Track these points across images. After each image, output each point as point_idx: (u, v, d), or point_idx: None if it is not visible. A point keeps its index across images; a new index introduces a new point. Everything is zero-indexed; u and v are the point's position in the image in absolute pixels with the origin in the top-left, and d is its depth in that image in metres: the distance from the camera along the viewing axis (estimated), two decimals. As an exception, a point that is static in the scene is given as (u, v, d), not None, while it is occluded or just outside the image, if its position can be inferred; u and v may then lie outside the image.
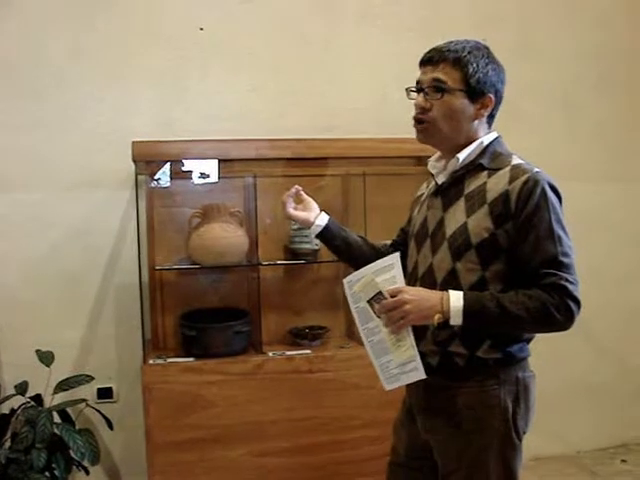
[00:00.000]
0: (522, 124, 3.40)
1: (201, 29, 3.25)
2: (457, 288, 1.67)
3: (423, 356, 1.69)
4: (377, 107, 3.33)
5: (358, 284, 1.73)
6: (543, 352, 2.98)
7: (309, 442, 2.88)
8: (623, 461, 3.70)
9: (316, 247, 3.10)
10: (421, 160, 2.87)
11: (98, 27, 3.13)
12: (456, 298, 1.64)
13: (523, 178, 1.65)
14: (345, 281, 1.76)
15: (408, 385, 1.83)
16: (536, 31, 3.66)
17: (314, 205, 2.03)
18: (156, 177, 3.00)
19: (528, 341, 1.77)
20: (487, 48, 1.77)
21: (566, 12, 3.69)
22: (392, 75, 3.09)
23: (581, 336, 3.55)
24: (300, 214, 2.00)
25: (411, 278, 1.80)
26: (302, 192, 2.03)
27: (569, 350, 3.58)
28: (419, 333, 1.70)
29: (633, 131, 3.84)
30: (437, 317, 1.64)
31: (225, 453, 2.81)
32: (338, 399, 2.89)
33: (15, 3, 3.05)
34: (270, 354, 2.94)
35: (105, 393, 3.19)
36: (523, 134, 3.29)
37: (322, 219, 2.00)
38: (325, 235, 2.00)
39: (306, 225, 2.01)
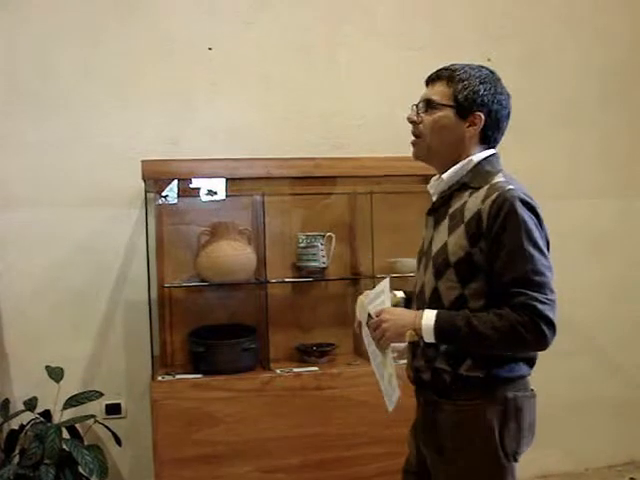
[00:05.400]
0: (525, 140, 3.40)
1: (210, 49, 3.30)
2: (440, 306, 1.71)
3: (417, 371, 1.79)
4: (384, 125, 3.34)
5: (358, 310, 1.89)
6: (550, 369, 3.01)
7: (317, 459, 2.88)
8: (632, 479, 3.68)
9: (323, 265, 3.12)
10: (428, 178, 2.88)
11: (107, 46, 3.18)
12: (429, 317, 1.68)
13: (493, 196, 1.64)
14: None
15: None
16: (539, 48, 3.69)
17: None
18: (164, 194, 3.02)
19: (526, 361, 1.73)
20: (493, 74, 1.79)
21: (569, 29, 3.73)
22: (399, 93, 3.10)
23: (589, 352, 3.56)
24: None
25: (416, 298, 1.84)
26: None
27: (577, 366, 3.58)
28: (414, 350, 1.79)
29: (636, 147, 3.86)
30: (408, 334, 1.69)
31: (233, 469, 2.82)
32: (346, 416, 2.90)
33: (25, 22, 3.10)
34: (278, 371, 2.95)
35: (113, 409, 3.20)
36: (526, 150, 3.33)
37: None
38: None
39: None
